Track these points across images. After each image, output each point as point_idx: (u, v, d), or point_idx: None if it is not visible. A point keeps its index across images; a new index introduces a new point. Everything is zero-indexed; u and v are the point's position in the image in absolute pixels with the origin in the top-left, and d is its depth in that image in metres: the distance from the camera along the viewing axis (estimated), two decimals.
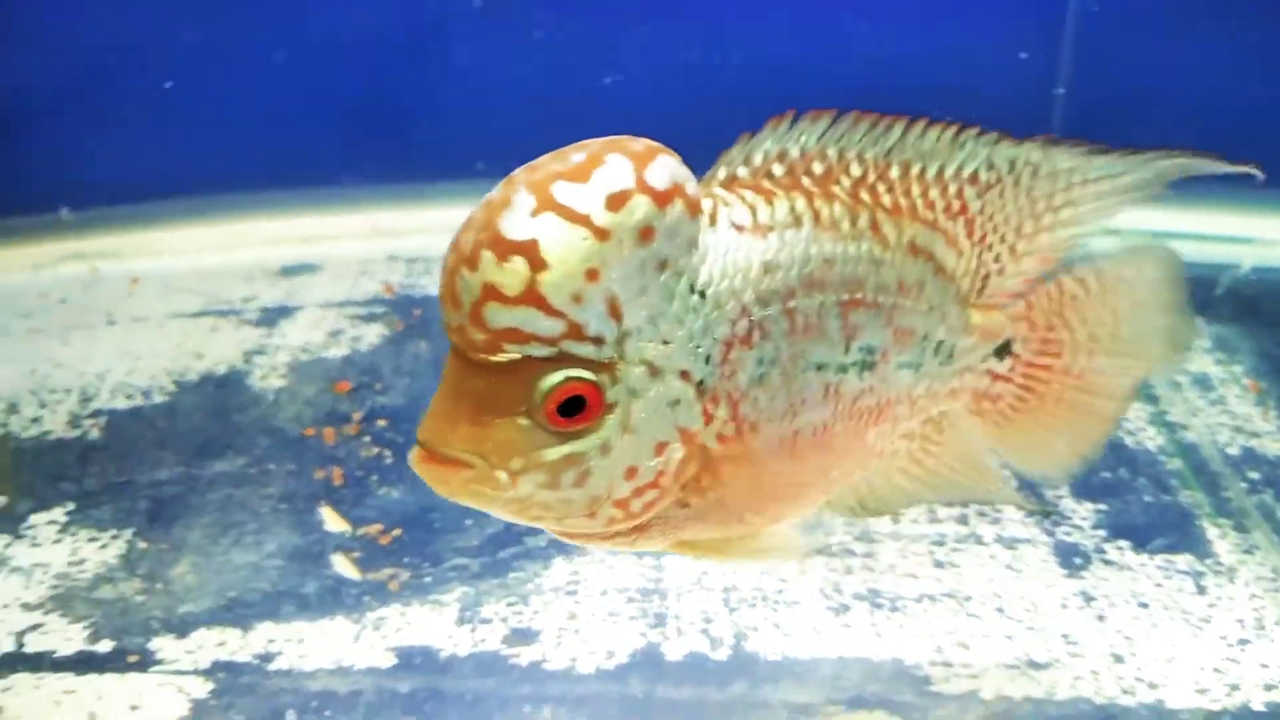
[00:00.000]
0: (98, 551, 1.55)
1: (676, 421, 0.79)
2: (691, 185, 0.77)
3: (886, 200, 0.88)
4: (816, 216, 0.84)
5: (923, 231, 0.89)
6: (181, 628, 1.41)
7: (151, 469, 1.70)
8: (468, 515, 1.55)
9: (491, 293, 0.72)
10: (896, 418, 0.92)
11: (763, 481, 0.85)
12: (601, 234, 0.73)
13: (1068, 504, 1.57)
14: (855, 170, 0.87)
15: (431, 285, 2.20)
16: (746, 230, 0.81)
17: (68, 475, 1.70)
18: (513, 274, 0.72)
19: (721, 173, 0.85)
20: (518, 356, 0.74)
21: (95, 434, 1.79)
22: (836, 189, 0.86)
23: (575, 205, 0.72)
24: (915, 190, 0.88)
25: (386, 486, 1.63)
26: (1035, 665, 1.33)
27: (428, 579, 1.47)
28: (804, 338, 0.83)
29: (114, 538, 1.56)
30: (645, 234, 0.74)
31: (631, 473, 0.79)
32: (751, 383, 0.82)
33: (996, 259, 0.93)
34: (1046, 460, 1.03)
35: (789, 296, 0.82)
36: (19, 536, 1.58)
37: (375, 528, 1.56)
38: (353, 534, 1.55)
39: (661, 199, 0.74)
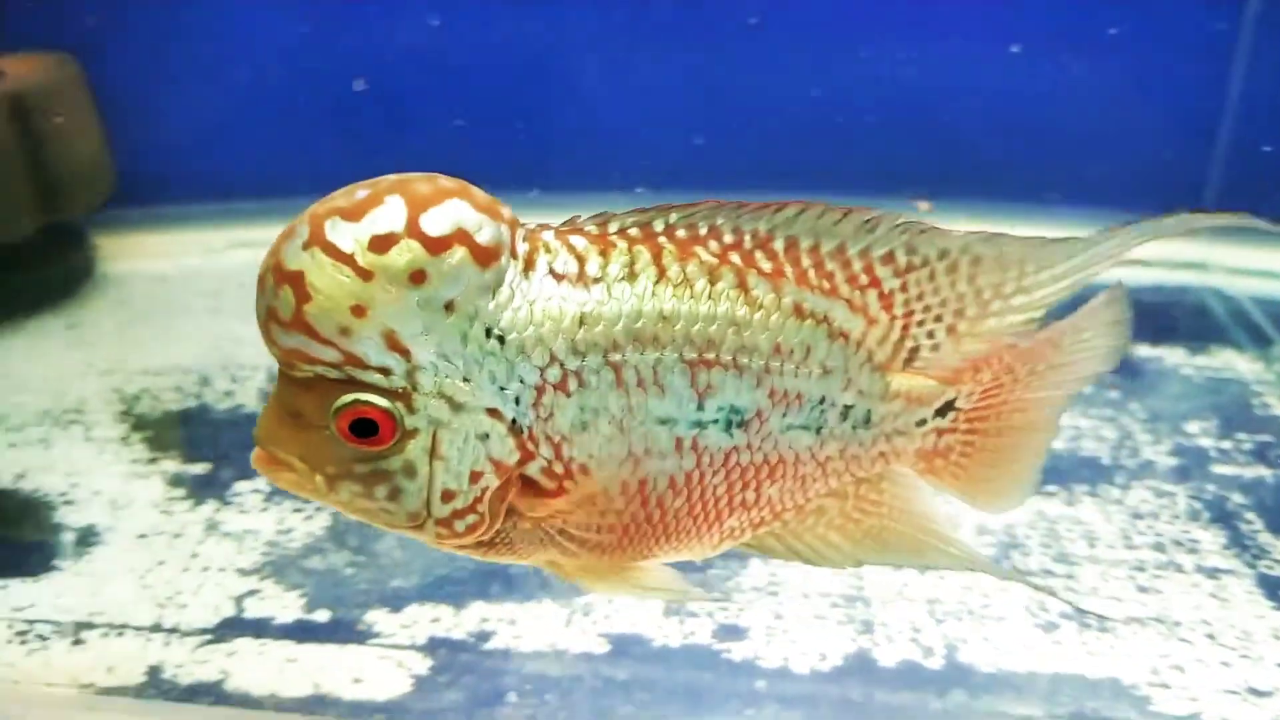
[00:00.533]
0: (304, 522, 1.59)
1: (489, 454, 0.82)
2: (486, 233, 0.78)
3: (766, 266, 0.86)
4: (661, 273, 0.83)
5: (811, 296, 0.87)
6: (395, 602, 1.44)
7: None
8: None
9: (272, 315, 0.77)
10: (803, 477, 0.92)
11: (608, 522, 0.87)
12: (364, 274, 0.75)
13: (1265, 539, 1.57)
14: (729, 239, 0.86)
15: None
16: (567, 280, 0.82)
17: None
18: (284, 301, 0.76)
19: (563, 224, 0.85)
20: (311, 375, 0.79)
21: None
22: (699, 250, 0.85)
23: (341, 244, 0.75)
24: (806, 261, 0.87)
25: None
26: (1257, 693, 1.31)
27: None
28: (639, 391, 0.84)
29: (318, 509, 1.60)
30: (415, 277, 0.76)
31: (449, 496, 0.82)
32: (575, 428, 0.83)
33: (930, 335, 0.91)
34: (1000, 495, 1.00)
35: (612, 350, 0.82)
36: (227, 503, 1.63)
37: None
38: None
39: (435, 245, 0.76)
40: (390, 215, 0.76)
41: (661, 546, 0.91)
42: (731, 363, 0.85)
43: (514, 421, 0.82)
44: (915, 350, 0.91)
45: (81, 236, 2.36)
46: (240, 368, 1.95)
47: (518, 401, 0.81)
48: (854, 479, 0.94)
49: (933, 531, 0.98)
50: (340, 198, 0.77)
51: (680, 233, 0.85)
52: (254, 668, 1.34)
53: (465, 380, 0.80)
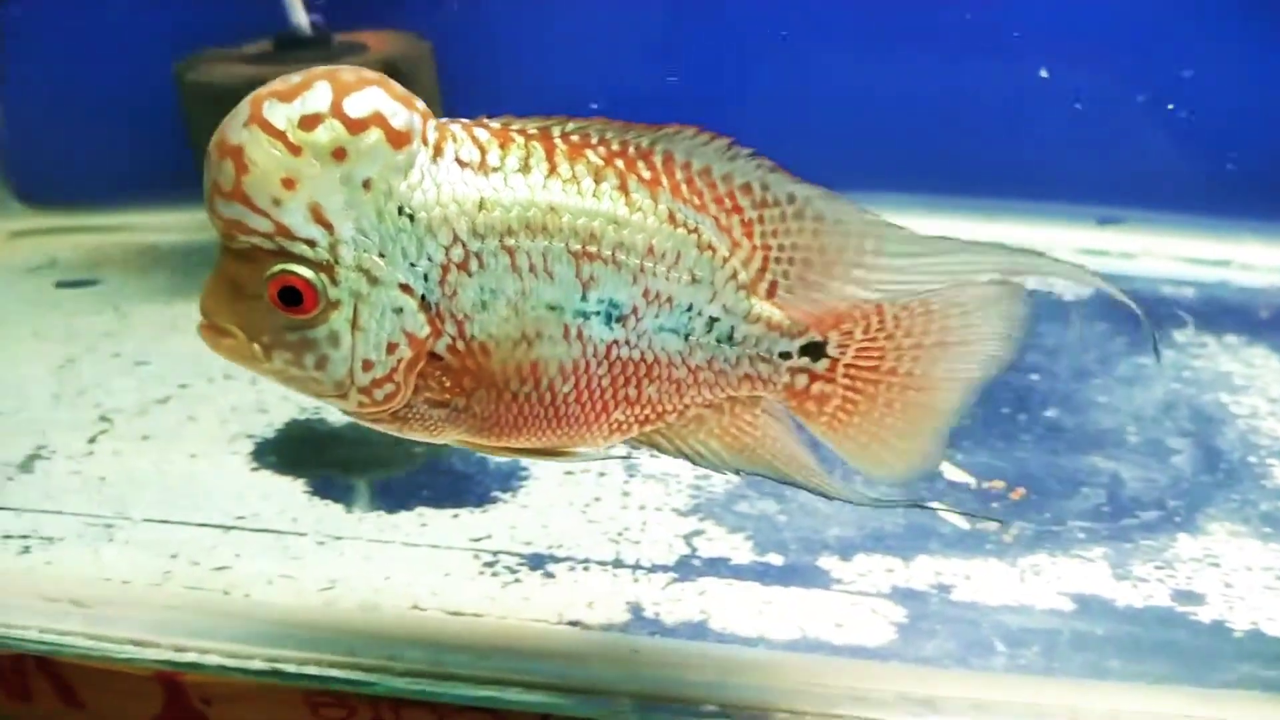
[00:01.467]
0: None
1: (403, 326, 0.91)
2: (400, 118, 0.88)
3: (646, 175, 0.95)
4: (552, 168, 0.93)
5: (684, 207, 0.96)
6: (841, 551, 1.44)
7: None
8: (1082, 483, 1.58)
9: (215, 187, 0.87)
10: (677, 381, 1.00)
11: (506, 399, 0.96)
12: (294, 149, 0.85)
13: None
14: (615, 147, 0.95)
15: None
16: (471, 167, 0.91)
17: None
18: (226, 173, 0.86)
19: (469, 120, 0.95)
20: (248, 246, 0.89)
21: None
22: (589, 153, 0.94)
23: (275, 121, 0.85)
24: (680, 175, 0.96)
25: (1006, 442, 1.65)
26: None
27: (1052, 536, 1.49)
28: (531, 276, 0.93)
29: None
30: (337, 154, 0.86)
31: (368, 365, 0.92)
32: (475, 307, 0.93)
33: (785, 275, 0.99)
34: (886, 461, 1.06)
35: (507, 234, 0.91)
36: (634, 446, 1.62)
37: (998, 483, 1.58)
38: (976, 487, 1.57)
39: (354, 126, 0.86)
40: (318, 98, 0.86)
41: (555, 431, 1.00)
42: (611, 258, 0.94)
43: (423, 298, 0.91)
44: (774, 285, 1.00)
45: None
46: None
47: (426, 279, 0.91)
48: (727, 396, 1.03)
49: (799, 464, 1.06)
50: (278, 83, 0.88)
51: (574, 136, 0.95)
52: (731, 608, 1.34)
53: (380, 255, 0.90)
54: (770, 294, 1.00)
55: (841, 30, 2.28)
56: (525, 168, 0.92)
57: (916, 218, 1.02)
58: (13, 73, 2.39)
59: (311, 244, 0.88)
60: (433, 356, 0.94)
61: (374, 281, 0.90)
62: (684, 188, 0.96)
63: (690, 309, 0.98)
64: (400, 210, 0.89)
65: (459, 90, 2.25)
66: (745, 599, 1.35)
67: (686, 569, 1.40)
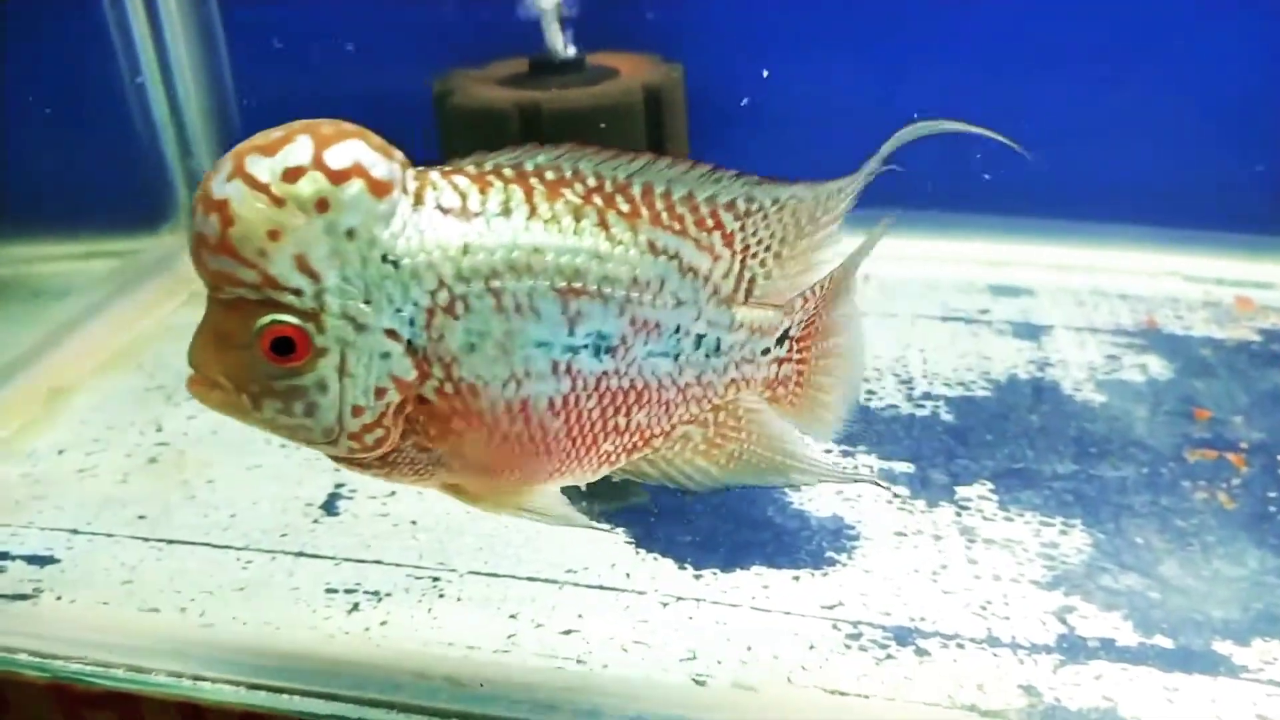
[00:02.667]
0: (1058, 536, 1.46)
1: (391, 371, 0.92)
2: (380, 168, 0.89)
3: (625, 208, 0.97)
4: (532, 210, 0.94)
5: (663, 235, 0.98)
6: (1235, 634, 1.30)
7: (1041, 459, 1.62)
8: None
9: (201, 240, 0.87)
10: (667, 403, 1.02)
11: (496, 440, 0.96)
12: (278, 201, 0.86)
13: None
14: (592, 182, 0.97)
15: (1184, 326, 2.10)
16: (452, 213, 0.92)
17: (956, 454, 1.64)
18: (211, 227, 0.86)
19: (449, 166, 0.96)
20: (234, 297, 0.89)
21: (947, 416, 1.73)
22: (566, 191, 0.96)
23: (258, 175, 0.86)
24: (659, 205, 0.98)
25: None
26: None
27: None
28: (518, 316, 0.94)
29: (1065, 524, 1.48)
30: (320, 205, 0.87)
31: (357, 411, 0.92)
32: (463, 349, 0.93)
33: (763, 264, 1.04)
34: (824, 420, 1.13)
35: (492, 276, 0.92)
36: (962, 507, 1.52)
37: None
38: None
39: (336, 177, 0.87)
40: (299, 151, 0.87)
41: (545, 468, 1.00)
42: (597, 292, 0.95)
43: (410, 342, 0.92)
44: (753, 281, 1.04)
45: None
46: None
47: (412, 323, 0.91)
48: (711, 405, 1.06)
49: (787, 451, 1.10)
50: (259, 138, 0.88)
51: (549, 175, 0.96)
52: (1136, 695, 1.21)
53: (366, 302, 0.90)
54: (750, 291, 1.04)
55: None
56: (506, 210, 0.93)
57: None
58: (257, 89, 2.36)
59: (298, 293, 0.88)
60: (421, 400, 0.94)
61: (360, 328, 0.90)
62: (664, 216, 0.99)
63: (678, 330, 1.00)
64: (384, 257, 0.90)
65: (708, 113, 2.18)
66: (1147, 686, 1.22)
67: (1072, 650, 1.27)
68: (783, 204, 1.02)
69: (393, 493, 1.57)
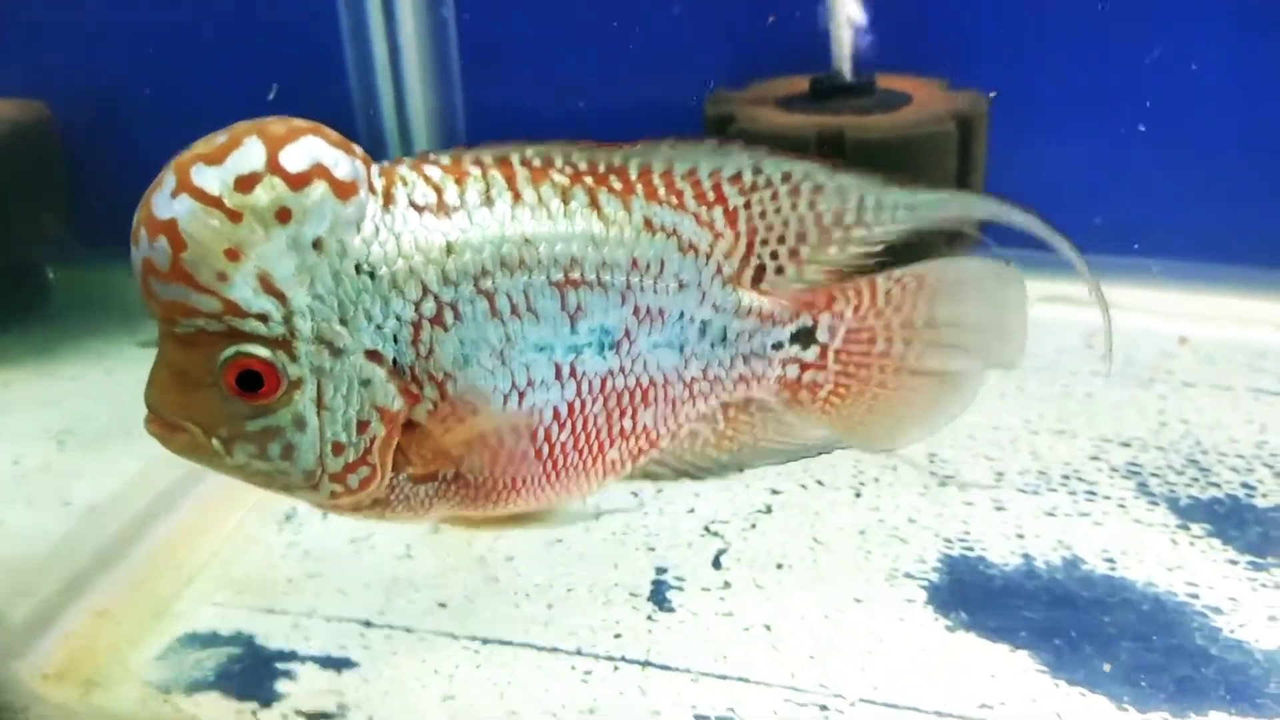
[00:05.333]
0: None
1: (373, 401, 0.83)
2: (343, 167, 0.80)
3: (617, 186, 0.89)
4: (516, 197, 0.85)
5: (660, 211, 0.90)
6: None
7: None
8: None
9: (149, 268, 0.78)
10: (673, 400, 0.94)
11: (501, 461, 0.88)
12: (233, 215, 0.77)
13: None
14: (582, 166, 0.89)
15: None
16: (428, 210, 0.83)
17: None
18: (161, 252, 0.77)
19: (415, 157, 0.86)
20: (193, 329, 0.80)
21: None
22: (553, 174, 0.87)
23: (207, 187, 0.77)
24: (657, 181, 0.90)
25: None
26: None
27: None
28: (515, 319, 0.85)
29: None
30: (281, 215, 0.78)
31: (338, 448, 0.83)
32: (456, 363, 0.84)
33: (774, 255, 0.95)
34: (883, 439, 1.02)
35: (482, 276, 0.84)
36: None
37: None
38: None
39: (295, 181, 0.78)
40: (250, 155, 0.78)
41: (551, 484, 0.92)
42: (596, 281, 0.88)
43: (395, 362, 0.83)
44: (761, 270, 0.95)
45: None
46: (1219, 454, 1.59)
47: (396, 340, 0.83)
48: (720, 402, 0.98)
49: (800, 442, 1.02)
50: (201, 145, 0.79)
51: (535, 162, 0.87)
52: None
53: (342, 322, 0.81)
54: (757, 280, 0.95)
55: None
56: (488, 201, 0.85)
57: None
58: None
59: (264, 319, 0.80)
60: (412, 425, 0.85)
61: (337, 353, 0.82)
62: (661, 191, 0.91)
63: (682, 317, 0.93)
64: (358, 269, 0.81)
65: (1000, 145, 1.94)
66: None
67: None
68: (796, 184, 0.93)
69: (727, 584, 1.33)
